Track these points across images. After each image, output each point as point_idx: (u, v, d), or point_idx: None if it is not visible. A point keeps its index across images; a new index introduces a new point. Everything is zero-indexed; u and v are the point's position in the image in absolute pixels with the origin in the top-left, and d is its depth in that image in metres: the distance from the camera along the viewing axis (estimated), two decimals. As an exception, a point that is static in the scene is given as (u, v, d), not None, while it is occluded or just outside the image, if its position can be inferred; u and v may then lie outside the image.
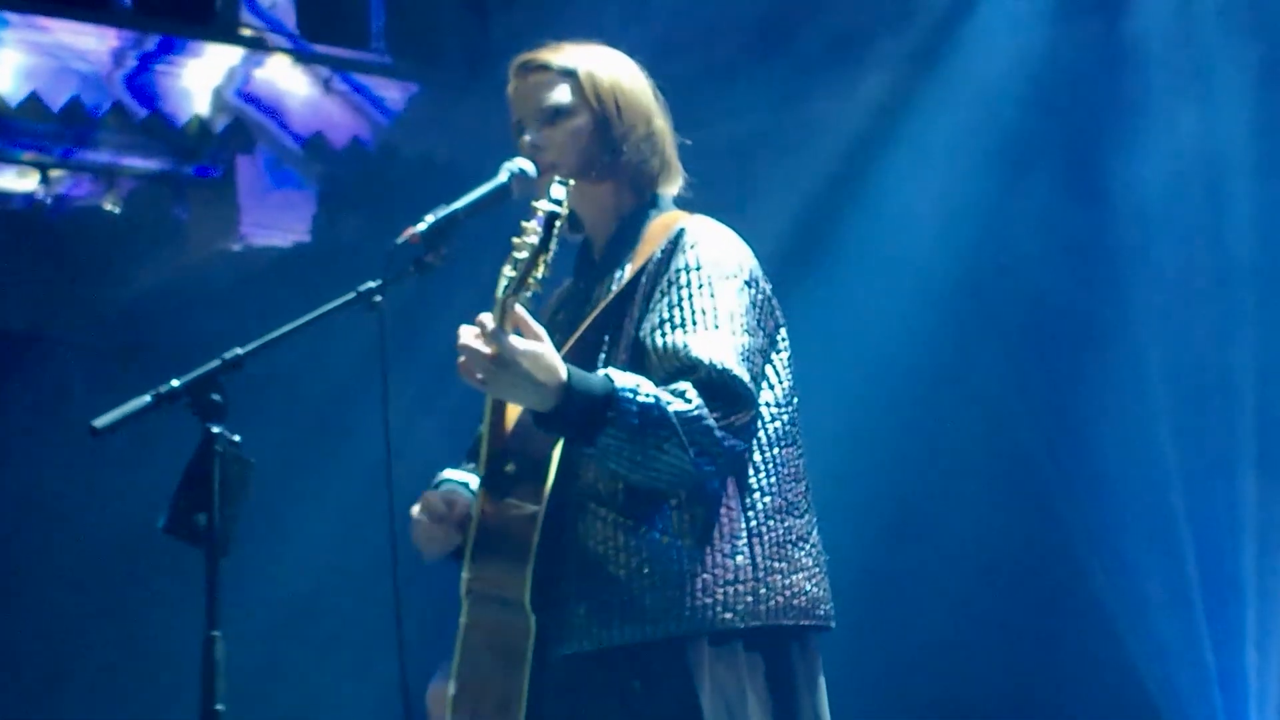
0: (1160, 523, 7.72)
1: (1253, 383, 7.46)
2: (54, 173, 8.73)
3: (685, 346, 3.41)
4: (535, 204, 3.28)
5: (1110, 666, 7.83)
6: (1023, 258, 7.73)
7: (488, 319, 3.26)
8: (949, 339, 7.97)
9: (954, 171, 7.77)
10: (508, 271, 3.27)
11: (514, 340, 3.23)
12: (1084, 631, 7.91)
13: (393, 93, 9.52)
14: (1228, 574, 7.58)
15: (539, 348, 3.25)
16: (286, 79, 9.26)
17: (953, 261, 7.84)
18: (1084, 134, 7.61)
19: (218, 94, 9.07)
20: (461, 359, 3.27)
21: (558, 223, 3.25)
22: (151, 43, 8.94)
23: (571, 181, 3.35)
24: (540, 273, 3.26)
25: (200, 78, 9.06)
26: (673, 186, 3.73)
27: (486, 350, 3.23)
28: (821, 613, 3.57)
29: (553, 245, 3.26)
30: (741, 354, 3.43)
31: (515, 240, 3.27)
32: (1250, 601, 7.56)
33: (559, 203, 3.27)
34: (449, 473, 3.77)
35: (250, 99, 9.14)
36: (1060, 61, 7.69)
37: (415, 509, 3.63)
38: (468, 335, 3.27)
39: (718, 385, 3.38)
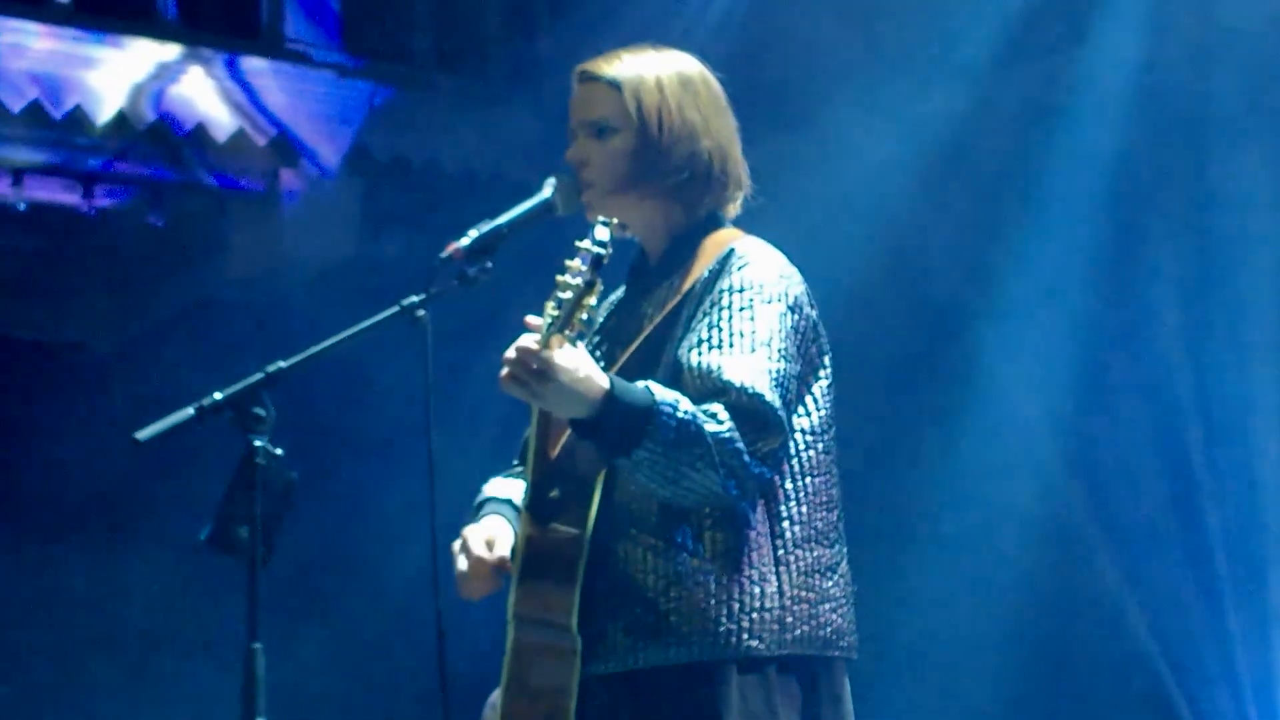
0: (1183, 519, 7.75)
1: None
2: (97, 185, 8.75)
3: (719, 368, 3.39)
4: (579, 244, 3.26)
5: (1130, 670, 7.85)
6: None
7: (534, 321, 3.25)
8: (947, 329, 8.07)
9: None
10: (550, 309, 3.25)
11: (555, 355, 3.22)
12: (1103, 637, 7.92)
13: (437, 106, 9.52)
14: (1254, 570, 7.58)
15: (578, 361, 3.24)
16: (330, 93, 9.27)
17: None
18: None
19: (251, 106, 9.08)
20: (504, 371, 3.26)
21: (602, 264, 3.23)
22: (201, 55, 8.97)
23: (615, 220, 3.31)
24: (585, 314, 3.24)
25: (229, 89, 9.08)
26: (731, 202, 3.68)
27: (531, 365, 3.22)
28: (845, 644, 3.56)
29: (598, 286, 3.24)
30: (775, 380, 3.40)
31: (559, 279, 3.24)
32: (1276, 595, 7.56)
33: (603, 244, 3.25)
34: (492, 487, 3.75)
35: (294, 113, 9.16)
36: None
37: (456, 546, 3.61)
38: (513, 350, 3.26)
39: (748, 410, 3.35)
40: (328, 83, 9.27)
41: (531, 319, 3.28)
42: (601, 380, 3.26)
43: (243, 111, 9.06)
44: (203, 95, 8.97)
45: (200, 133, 8.92)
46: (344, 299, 7.53)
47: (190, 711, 7.62)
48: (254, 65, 9.11)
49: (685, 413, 3.29)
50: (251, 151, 9.05)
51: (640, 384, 3.32)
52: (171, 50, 8.91)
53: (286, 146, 9.13)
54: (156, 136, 8.82)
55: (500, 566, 3.55)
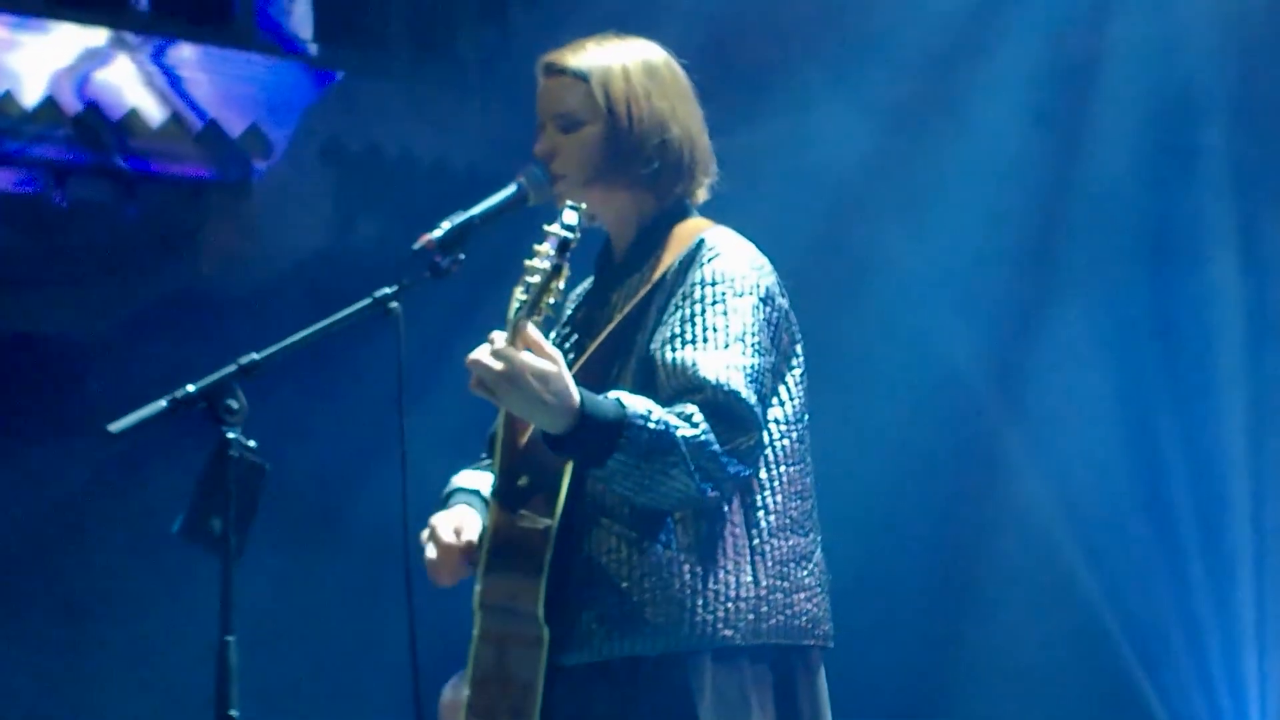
0: (1156, 527, 7.79)
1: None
2: (70, 177, 8.73)
3: (694, 365, 3.39)
4: (547, 228, 3.27)
5: (1097, 659, 7.88)
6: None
7: (499, 336, 3.25)
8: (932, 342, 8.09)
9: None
10: (519, 294, 3.27)
11: (525, 357, 3.21)
12: (1078, 639, 7.96)
13: (411, 96, 9.51)
14: (1227, 577, 7.62)
15: (550, 368, 3.23)
16: (304, 83, 9.26)
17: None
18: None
19: (224, 96, 9.06)
20: (474, 376, 3.26)
21: (570, 248, 3.25)
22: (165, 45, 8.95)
23: (584, 205, 3.34)
24: (552, 298, 3.26)
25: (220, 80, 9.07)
26: (699, 189, 3.70)
27: (496, 366, 3.22)
28: (820, 633, 3.58)
29: (565, 270, 3.25)
30: (750, 376, 3.41)
31: (527, 263, 3.27)
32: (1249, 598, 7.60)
33: (571, 228, 3.27)
34: (461, 478, 3.76)
35: (267, 103, 9.15)
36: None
37: (425, 535, 3.62)
38: (478, 352, 3.26)
39: (724, 408, 3.36)
40: (301, 73, 9.26)
41: (494, 335, 3.28)
42: (573, 397, 3.24)
43: (215, 102, 9.04)
44: (174, 86, 8.95)
45: (173, 124, 8.90)
46: (317, 290, 7.53)
47: (162, 705, 7.62)
48: (226, 55, 9.10)
49: (657, 421, 3.29)
50: (224, 142, 9.03)
51: (612, 394, 3.32)
52: (142, 40, 8.89)
53: (259, 137, 9.12)
54: (129, 128, 8.80)
55: (468, 552, 3.56)
